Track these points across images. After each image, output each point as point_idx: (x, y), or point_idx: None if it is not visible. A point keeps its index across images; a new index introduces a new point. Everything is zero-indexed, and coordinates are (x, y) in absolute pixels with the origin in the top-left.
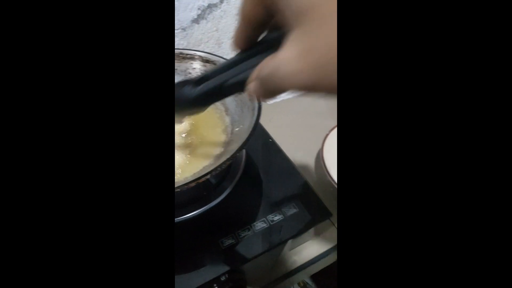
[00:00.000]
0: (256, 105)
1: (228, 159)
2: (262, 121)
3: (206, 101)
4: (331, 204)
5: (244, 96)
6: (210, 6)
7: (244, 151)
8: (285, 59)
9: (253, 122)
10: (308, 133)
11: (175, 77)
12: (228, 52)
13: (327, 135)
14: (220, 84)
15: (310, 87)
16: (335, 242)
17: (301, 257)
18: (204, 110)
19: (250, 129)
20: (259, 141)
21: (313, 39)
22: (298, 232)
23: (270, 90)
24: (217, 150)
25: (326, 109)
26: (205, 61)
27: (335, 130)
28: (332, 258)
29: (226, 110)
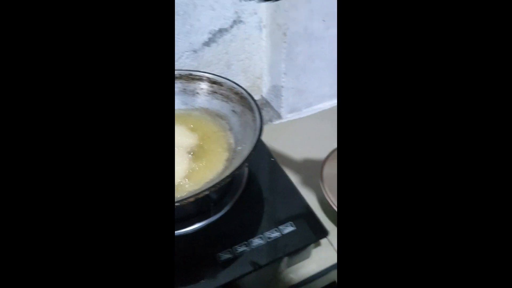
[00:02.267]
0: (258, 125)
1: (227, 177)
2: (266, 140)
3: None
4: (329, 225)
5: (248, 116)
6: (221, 31)
7: (246, 169)
8: None
9: (254, 141)
10: (311, 154)
11: (184, 96)
12: (237, 73)
13: (327, 156)
14: None
15: None
16: (332, 262)
17: (297, 276)
18: None
19: (251, 148)
20: (261, 160)
21: None
22: (293, 250)
23: None
24: (220, 167)
25: (331, 131)
26: (212, 82)
27: (335, 152)
28: (329, 278)
29: (231, 129)
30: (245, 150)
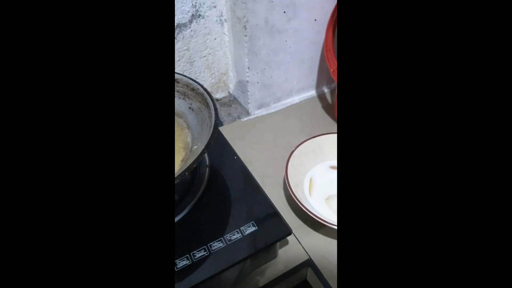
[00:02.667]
0: (213, 123)
1: (175, 179)
2: (233, 138)
3: None
4: (296, 221)
5: (204, 113)
6: (179, 26)
7: (207, 169)
8: None
9: (208, 138)
10: (278, 150)
11: None
12: (200, 70)
13: (293, 151)
14: None
15: None
16: (301, 260)
17: (264, 277)
18: None
19: (203, 147)
20: (224, 158)
21: None
22: (255, 251)
23: None
24: (176, 168)
25: (299, 126)
26: None
27: (301, 146)
28: (299, 277)
29: (188, 127)
30: (201, 149)
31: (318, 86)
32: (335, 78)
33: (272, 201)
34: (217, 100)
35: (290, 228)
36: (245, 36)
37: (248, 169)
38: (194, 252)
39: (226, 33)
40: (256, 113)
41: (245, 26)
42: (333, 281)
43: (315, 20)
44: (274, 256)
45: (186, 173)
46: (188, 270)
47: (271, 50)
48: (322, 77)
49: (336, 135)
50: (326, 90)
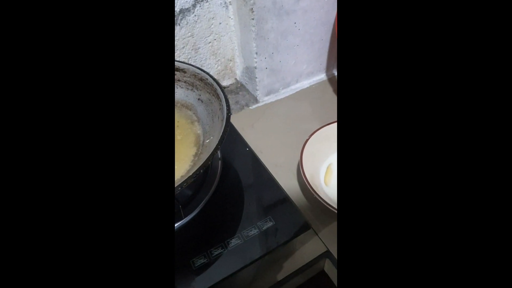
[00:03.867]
0: (225, 115)
1: (189, 177)
2: (243, 127)
3: None
4: (313, 212)
5: (215, 105)
6: (183, 11)
7: (220, 162)
8: None
9: (221, 133)
10: (290, 138)
11: None
12: (206, 56)
13: (307, 140)
14: None
15: None
16: (320, 252)
17: (282, 271)
18: None
19: (217, 142)
20: (236, 150)
21: None
22: (274, 248)
23: None
24: (186, 165)
25: (311, 112)
26: (175, 69)
27: (316, 133)
28: (317, 268)
29: (198, 120)
30: (213, 143)
31: (328, 69)
32: None
33: (288, 191)
34: (224, 87)
35: (309, 223)
36: (252, 19)
37: (261, 161)
38: (212, 249)
39: (232, 16)
40: (265, 99)
41: (252, 8)
42: None
43: None
44: (293, 248)
45: (201, 170)
46: (206, 267)
47: (279, 33)
48: (332, 59)
49: None
50: (336, 73)
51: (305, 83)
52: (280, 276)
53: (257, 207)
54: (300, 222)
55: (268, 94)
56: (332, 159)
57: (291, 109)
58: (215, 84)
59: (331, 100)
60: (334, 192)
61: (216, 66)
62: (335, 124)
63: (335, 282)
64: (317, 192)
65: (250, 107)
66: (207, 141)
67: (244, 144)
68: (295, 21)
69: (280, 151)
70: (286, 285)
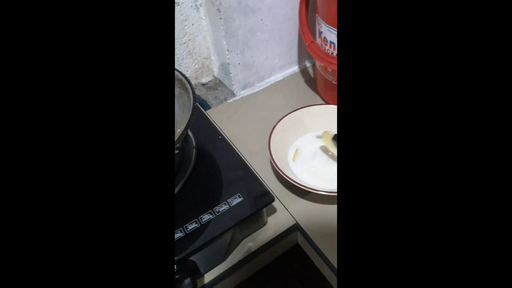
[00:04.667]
0: (192, 104)
1: None
2: (220, 120)
3: None
4: (282, 191)
5: (184, 98)
6: None
7: (194, 150)
8: None
9: (187, 120)
10: (265, 127)
11: None
12: (183, 56)
13: (275, 125)
14: None
15: None
16: (289, 225)
17: (255, 243)
18: None
19: (182, 130)
20: (209, 139)
21: None
22: (242, 219)
23: None
24: None
25: (284, 103)
26: None
27: (282, 120)
28: (290, 241)
29: None
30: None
31: (300, 61)
32: (310, 52)
33: (261, 174)
34: (203, 84)
35: (273, 195)
36: (220, 18)
37: (232, 146)
38: (187, 225)
39: (203, 17)
40: (242, 93)
41: (218, 9)
42: (320, 243)
43: None
44: (264, 223)
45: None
46: (182, 241)
47: (248, 30)
48: (302, 51)
49: (316, 107)
50: (308, 64)
51: (278, 76)
52: (253, 248)
53: (228, 186)
54: (266, 196)
55: (244, 88)
56: (299, 143)
57: (266, 100)
58: (183, 79)
59: (304, 90)
60: (301, 171)
61: (193, 65)
62: (300, 110)
63: (308, 253)
64: (284, 171)
65: (228, 101)
66: (179, 130)
67: (218, 133)
68: (262, 18)
69: (256, 139)
70: (263, 256)
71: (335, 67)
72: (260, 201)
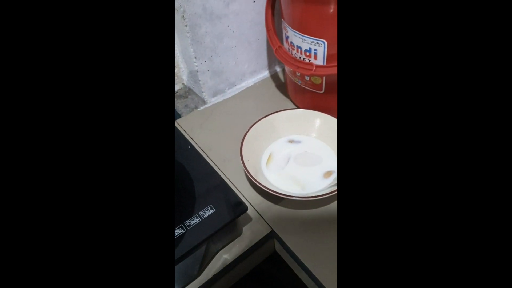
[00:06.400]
0: None
1: None
2: (191, 129)
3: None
4: (257, 199)
5: None
6: None
7: None
8: None
9: None
10: (237, 133)
11: None
12: None
13: (247, 132)
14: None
15: None
16: (265, 233)
17: (231, 254)
18: None
19: None
20: (179, 149)
21: None
22: (214, 232)
23: None
24: None
25: (255, 108)
26: None
27: (253, 127)
28: (268, 250)
29: None
30: None
31: (270, 66)
32: (278, 56)
33: (235, 183)
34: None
35: (246, 205)
36: (186, 26)
37: (202, 156)
38: None
39: None
40: (212, 100)
41: (183, 16)
42: (297, 249)
43: (254, 1)
44: (239, 233)
45: None
46: None
47: (214, 37)
48: (272, 57)
49: (287, 111)
50: (278, 69)
51: (249, 82)
52: (229, 260)
53: (199, 197)
54: (239, 206)
55: (215, 95)
56: (272, 148)
57: (237, 107)
58: None
59: (274, 95)
60: (275, 177)
61: None
62: (272, 116)
63: (286, 261)
64: (257, 178)
65: (198, 109)
66: None
67: (188, 143)
68: (228, 24)
69: (228, 147)
70: (241, 266)
71: (303, 71)
72: (233, 211)
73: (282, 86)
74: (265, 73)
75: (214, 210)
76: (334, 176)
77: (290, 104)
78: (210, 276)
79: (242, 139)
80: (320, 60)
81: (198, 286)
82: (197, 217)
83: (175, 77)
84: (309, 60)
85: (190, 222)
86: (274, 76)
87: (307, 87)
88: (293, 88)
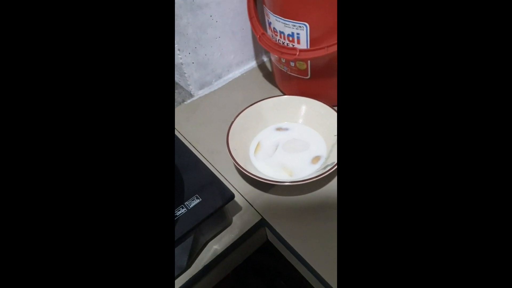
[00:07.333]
0: None
1: None
2: (178, 122)
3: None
4: (246, 188)
5: None
6: None
7: None
8: None
9: None
10: (225, 125)
11: None
12: None
13: (233, 121)
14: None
15: None
16: (255, 221)
17: (222, 244)
18: None
19: None
20: None
21: None
22: (201, 221)
23: None
24: None
25: (243, 99)
26: None
27: (239, 116)
28: (260, 238)
29: None
30: None
31: (257, 56)
32: (262, 44)
33: (224, 174)
34: None
35: (232, 192)
36: None
37: (188, 147)
38: None
39: None
40: (199, 93)
41: None
42: (287, 236)
43: None
44: (228, 223)
45: None
46: None
47: (197, 28)
48: (258, 46)
49: (272, 99)
50: (265, 59)
51: (236, 73)
52: (220, 250)
53: (185, 188)
54: (226, 194)
55: (201, 87)
56: (260, 137)
57: (224, 98)
58: None
59: (262, 85)
60: (263, 165)
61: None
62: (259, 103)
63: (280, 250)
64: (245, 167)
65: (185, 102)
66: None
67: (174, 136)
68: (211, 14)
69: (216, 138)
70: (232, 256)
71: (287, 57)
72: (219, 199)
73: (269, 75)
74: (252, 64)
75: (200, 199)
76: (322, 161)
77: (278, 93)
78: (200, 267)
79: (227, 130)
80: (303, 44)
81: (189, 278)
82: (183, 208)
83: None
84: (293, 45)
85: (176, 212)
86: (261, 66)
87: (293, 74)
88: (280, 76)
